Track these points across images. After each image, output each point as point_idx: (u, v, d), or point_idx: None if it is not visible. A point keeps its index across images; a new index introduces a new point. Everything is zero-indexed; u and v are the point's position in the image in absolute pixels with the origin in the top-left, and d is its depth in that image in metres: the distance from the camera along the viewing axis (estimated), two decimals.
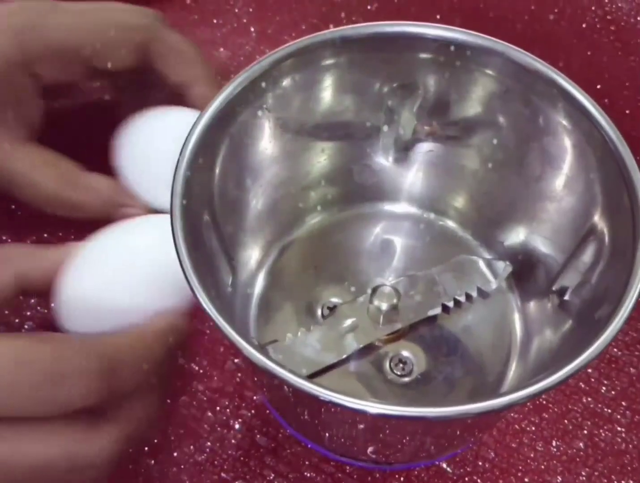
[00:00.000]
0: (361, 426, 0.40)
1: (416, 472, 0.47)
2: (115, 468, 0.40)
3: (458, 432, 0.45)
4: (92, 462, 0.38)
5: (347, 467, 0.47)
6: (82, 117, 0.58)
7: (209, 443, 0.48)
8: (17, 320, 0.51)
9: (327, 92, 0.48)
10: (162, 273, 0.44)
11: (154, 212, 0.51)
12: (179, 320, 0.44)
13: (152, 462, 0.47)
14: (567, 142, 0.44)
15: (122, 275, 0.44)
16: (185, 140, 0.41)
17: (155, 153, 0.50)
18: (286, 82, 0.46)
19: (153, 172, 0.51)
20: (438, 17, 0.66)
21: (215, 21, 0.69)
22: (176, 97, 0.53)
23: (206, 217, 0.43)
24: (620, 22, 0.67)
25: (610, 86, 0.62)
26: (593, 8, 0.68)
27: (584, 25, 0.67)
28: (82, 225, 0.49)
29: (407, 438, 0.42)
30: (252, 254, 0.51)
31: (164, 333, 0.42)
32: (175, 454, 0.48)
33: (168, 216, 0.47)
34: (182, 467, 0.47)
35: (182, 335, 0.44)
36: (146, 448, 0.48)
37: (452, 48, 0.45)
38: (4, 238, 0.55)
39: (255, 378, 0.48)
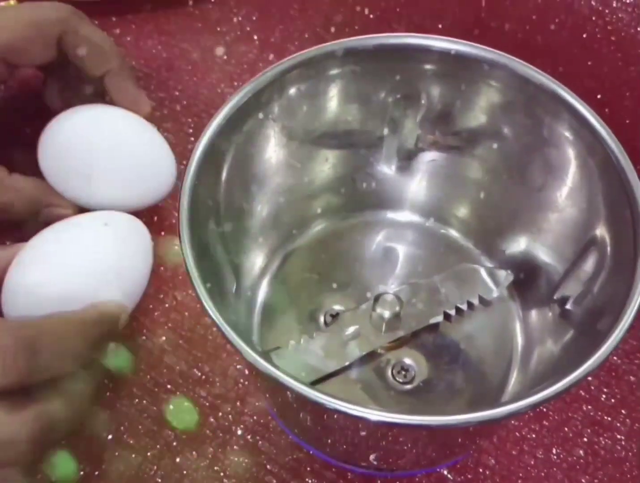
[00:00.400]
0: (363, 433, 0.40)
1: (417, 479, 0.47)
2: (40, 448, 0.40)
3: (459, 440, 0.45)
4: (12, 439, 0.38)
5: (349, 474, 0.47)
6: (8, 116, 0.58)
7: (211, 449, 0.48)
8: None
9: (332, 101, 0.49)
10: (101, 266, 0.46)
11: (82, 210, 0.51)
12: (112, 311, 0.45)
13: (155, 467, 0.47)
14: (570, 153, 0.45)
15: (63, 267, 0.45)
16: (193, 149, 0.42)
17: (79, 151, 0.51)
18: (292, 92, 0.46)
19: (77, 171, 0.51)
20: (440, 26, 0.66)
21: (218, 29, 0.69)
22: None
23: (212, 224, 0.43)
24: (621, 33, 0.68)
25: (611, 96, 0.62)
26: (594, 18, 0.68)
27: (584, 36, 0.67)
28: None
29: (409, 445, 0.42)
30: (256, 261, 0.51)
31: (93, 321, 0.43)
32: (177, 460, 0.48)
33: (104, 213, 0.50)
34: (185, 472, 0.47)
35: (113, 325, 0.45)
36: (149, 454, 0.48)
37: (455, 60, 0.46)
38: None
39: (259, 384, 0.48)
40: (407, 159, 0.52)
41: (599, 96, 0.60)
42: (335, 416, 0.35)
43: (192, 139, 0.62)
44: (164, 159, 0.53)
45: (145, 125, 0.53)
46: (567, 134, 0.44)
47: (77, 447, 0.47)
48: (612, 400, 0.51)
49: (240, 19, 0.70)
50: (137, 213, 0.52)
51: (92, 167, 0.51)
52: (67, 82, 0.54)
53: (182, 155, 0.59)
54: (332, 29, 0.67)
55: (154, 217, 0.57)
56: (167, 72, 0.67)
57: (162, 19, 0.70)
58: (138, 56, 0.68)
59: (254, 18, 0.70)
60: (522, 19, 0.68)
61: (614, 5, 0.69)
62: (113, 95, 0.53)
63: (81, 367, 0.42)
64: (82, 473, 0.47)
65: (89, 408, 0.43)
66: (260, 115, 0.46)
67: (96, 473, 0.47)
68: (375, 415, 0.33)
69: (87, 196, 0.52)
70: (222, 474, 0.47)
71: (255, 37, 0.69)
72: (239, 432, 0.49)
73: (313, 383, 0.46)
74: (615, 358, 0.52)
